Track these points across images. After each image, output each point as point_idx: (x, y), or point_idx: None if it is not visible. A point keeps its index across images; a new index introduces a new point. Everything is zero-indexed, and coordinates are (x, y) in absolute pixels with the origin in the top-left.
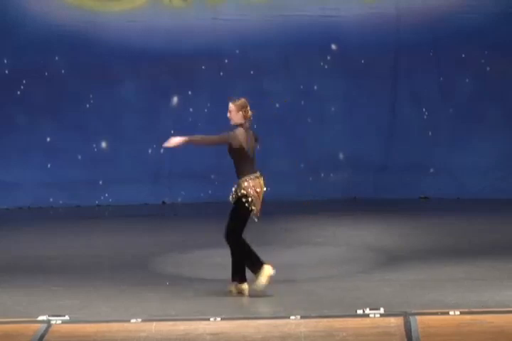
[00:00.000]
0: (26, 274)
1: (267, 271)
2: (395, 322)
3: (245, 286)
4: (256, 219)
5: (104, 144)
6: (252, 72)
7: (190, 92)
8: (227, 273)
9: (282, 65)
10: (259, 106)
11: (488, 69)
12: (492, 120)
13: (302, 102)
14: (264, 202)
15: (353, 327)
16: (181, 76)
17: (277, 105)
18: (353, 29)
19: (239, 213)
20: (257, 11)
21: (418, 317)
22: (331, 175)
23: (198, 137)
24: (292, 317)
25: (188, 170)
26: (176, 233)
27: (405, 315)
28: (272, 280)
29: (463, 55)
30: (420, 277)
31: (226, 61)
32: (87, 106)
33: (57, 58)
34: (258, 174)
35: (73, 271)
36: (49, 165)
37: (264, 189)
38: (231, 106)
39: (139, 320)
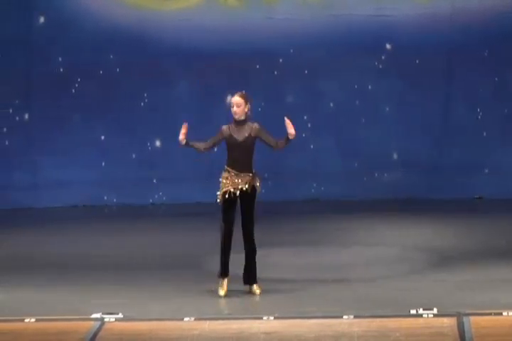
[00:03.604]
0: (78, 272)
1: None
2: (449, 322)
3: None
4: None
5: (158, 143)
6: (306, 72)
7: (244, 92)
8: (282, 272)
9: (336, 64)
10: (314, 106)
11: None
12: None
13: (356, 102)
14: None
15: (407, 327)
16: (235, 75)
17: (331, 104)
18: (406, 29)
19: (255, 203)
20: (312, 11)
21: (471, 318)
22: (385, 175)
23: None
24: (345, 317)
25: None
26: None
27: (459, 316)
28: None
29: None
30: (473, 277)
31: (280, 60)
32: (142, 104)
33: (111, 57)
34: None
35: (126, 270)
36: (103, 164)
37: None
38: (239, 100)
39: (192, 318)
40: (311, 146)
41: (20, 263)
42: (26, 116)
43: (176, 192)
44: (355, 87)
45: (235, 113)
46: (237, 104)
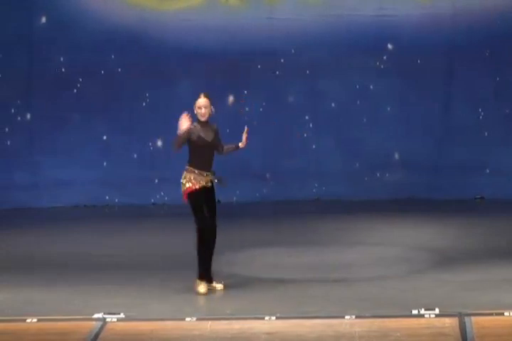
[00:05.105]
0: (79, 272)
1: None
2: (450, 322)
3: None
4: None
5: (159, 143)
6: (307, 72)
7: (245, 91)
8: (282, 272)
9: (338, 64)
10: (315, 106)
11: None
12: None
13: (358, 102)
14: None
15: (408, 327)
16: (237, 75)
17: (333, 104)
18: (408, 29)
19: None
20: (313, 11)
21: (473, 318)
22: (386, 174)
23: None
24: (347, 317)
25: (243, 169)
26: (231, 232)
27: (460, 316)
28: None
29: None
30: (475, 278)
31: (282, 60)
32: (143, 104)
33: (113, 57)
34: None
35: (127, 269)
36: (105, 164)
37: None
38: (207, 101)
39: (194, 318)
40: (313, 146)
41: (21, 263)
42: (28, 116)
43: (177, 192)
44: (357, 87)
45: (203, 115)
46: (205, 105)
